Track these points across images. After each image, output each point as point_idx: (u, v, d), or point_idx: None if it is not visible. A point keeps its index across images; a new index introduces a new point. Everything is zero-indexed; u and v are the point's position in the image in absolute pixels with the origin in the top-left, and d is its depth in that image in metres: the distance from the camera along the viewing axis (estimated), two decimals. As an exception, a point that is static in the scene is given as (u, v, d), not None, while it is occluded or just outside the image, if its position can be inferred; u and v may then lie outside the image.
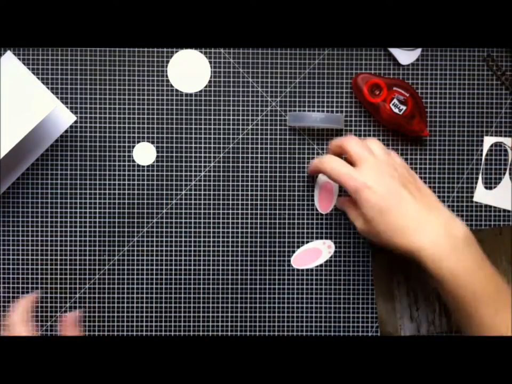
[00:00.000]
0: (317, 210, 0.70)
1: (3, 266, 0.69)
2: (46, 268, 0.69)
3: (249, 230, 0.70)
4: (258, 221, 0.70)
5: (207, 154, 0.70)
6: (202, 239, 0.70)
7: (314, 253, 0.70)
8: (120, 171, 0.69)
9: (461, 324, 0.61)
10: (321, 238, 0.70)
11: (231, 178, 0.70)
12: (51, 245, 0.69)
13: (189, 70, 0.69)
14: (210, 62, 0.69)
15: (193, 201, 0.69)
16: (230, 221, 0.70)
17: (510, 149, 0.70)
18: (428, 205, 0.61)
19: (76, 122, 0.69)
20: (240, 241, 0.70)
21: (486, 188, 0.70)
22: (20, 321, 0.58)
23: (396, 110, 0.67)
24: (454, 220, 0.60)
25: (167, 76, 0.69)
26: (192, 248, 0.70)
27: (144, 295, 0.69)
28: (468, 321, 0.59)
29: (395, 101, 0.67)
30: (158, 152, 0.69)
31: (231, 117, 0.69)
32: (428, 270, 0.59)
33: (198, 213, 0.70)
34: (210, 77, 0.69)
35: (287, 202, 0.70)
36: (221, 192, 0.70)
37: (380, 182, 0.60)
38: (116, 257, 0.69)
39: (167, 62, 0.69)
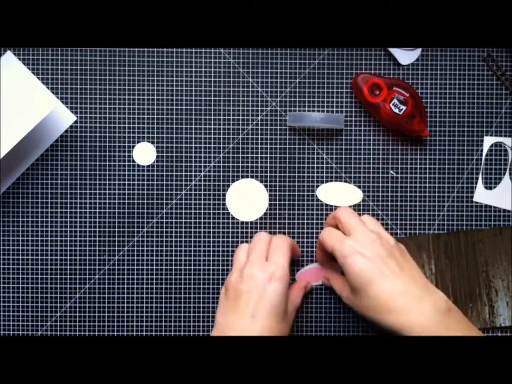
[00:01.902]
0: (317, 209, 0.70)
1: (3, 266, 0.69)
2: (46, 267, 0.69)
3: (249, 230, 0.70)
4: (259, 220, 0.70)
5: (207, 154, 0.70)
6: (202, 239, 0.70)
7: (320, 272, 0.69)
8: (120, 171, 0.69)
9: None
10: (321, 238, 0.70)
11: (231, 178, 0.70)
12: (51, 245, 0.69)
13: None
14: (210, 62, 0.69)
15: (193, 201, 0.69)
16: (230, 221, 0.70)
17: (510, 149, 0.70)
18: (414, 279, 0.59)
19: (76, 122, 0.69)
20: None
21: (486, 187, 0.70)
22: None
23: (396, 110, 0.67)
24: (438, 293, 0.59)
25: (167, 76, 0.69)
26: (192, 248, 0.70)
27: (144, 295, 0.69)
28: None
29: (395, 101, 0.67)
30: (158, 152, 0.69)
31: (231, 117, 0.69)
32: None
33: (198, 213, 0.70)
34: (211, 78, 0.69)
35: (287, 202, 0.70)
36: (221, 192, 0.70)
37: (369, 248, 0.59)
38: (116, 257, 0.69)
39: (167, 62, 0.69)
